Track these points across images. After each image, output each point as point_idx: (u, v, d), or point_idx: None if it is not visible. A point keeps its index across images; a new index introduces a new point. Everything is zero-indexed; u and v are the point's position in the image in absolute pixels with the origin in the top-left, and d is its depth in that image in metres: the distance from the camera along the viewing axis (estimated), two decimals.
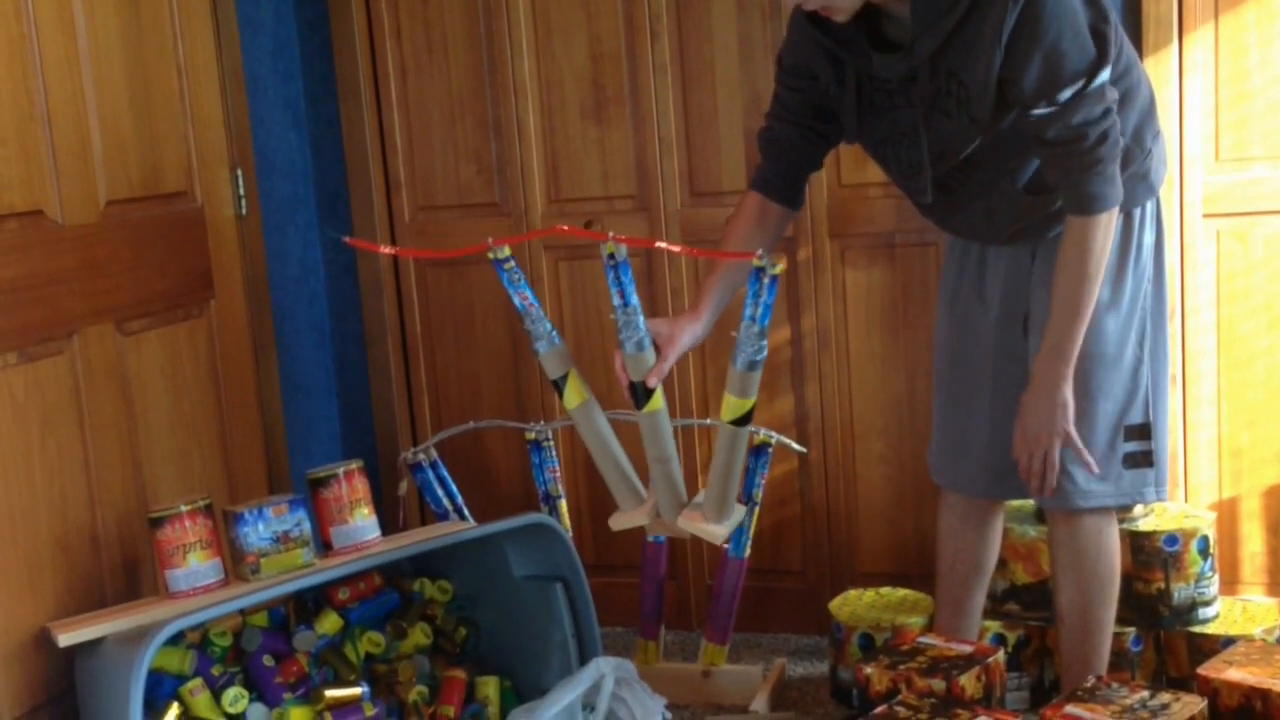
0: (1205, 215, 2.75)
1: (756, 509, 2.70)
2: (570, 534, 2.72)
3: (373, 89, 3.22)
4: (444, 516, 2.87)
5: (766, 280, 2.17)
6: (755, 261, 2.16)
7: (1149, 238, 2.21)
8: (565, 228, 2.49)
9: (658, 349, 2.25)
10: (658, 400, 2.25)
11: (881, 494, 3.04)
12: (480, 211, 3.21)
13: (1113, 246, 2.15)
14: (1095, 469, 2.16)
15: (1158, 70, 2.70)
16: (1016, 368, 2.28)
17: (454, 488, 2.90)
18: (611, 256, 2.25)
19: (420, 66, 3.18)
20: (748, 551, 2.71)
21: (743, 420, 2.29)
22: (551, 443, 2.87)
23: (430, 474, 2.87)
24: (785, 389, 3.06)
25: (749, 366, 2.23)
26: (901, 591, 2.92)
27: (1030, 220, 2.18)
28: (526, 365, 3.21)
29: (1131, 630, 2.63)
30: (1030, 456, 2.17)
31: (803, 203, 2.35)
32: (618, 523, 2.36)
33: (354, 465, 2.62)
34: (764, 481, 2.70)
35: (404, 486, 2.94)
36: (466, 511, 2.89)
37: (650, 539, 2.80)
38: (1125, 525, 2.60)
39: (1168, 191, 2.73)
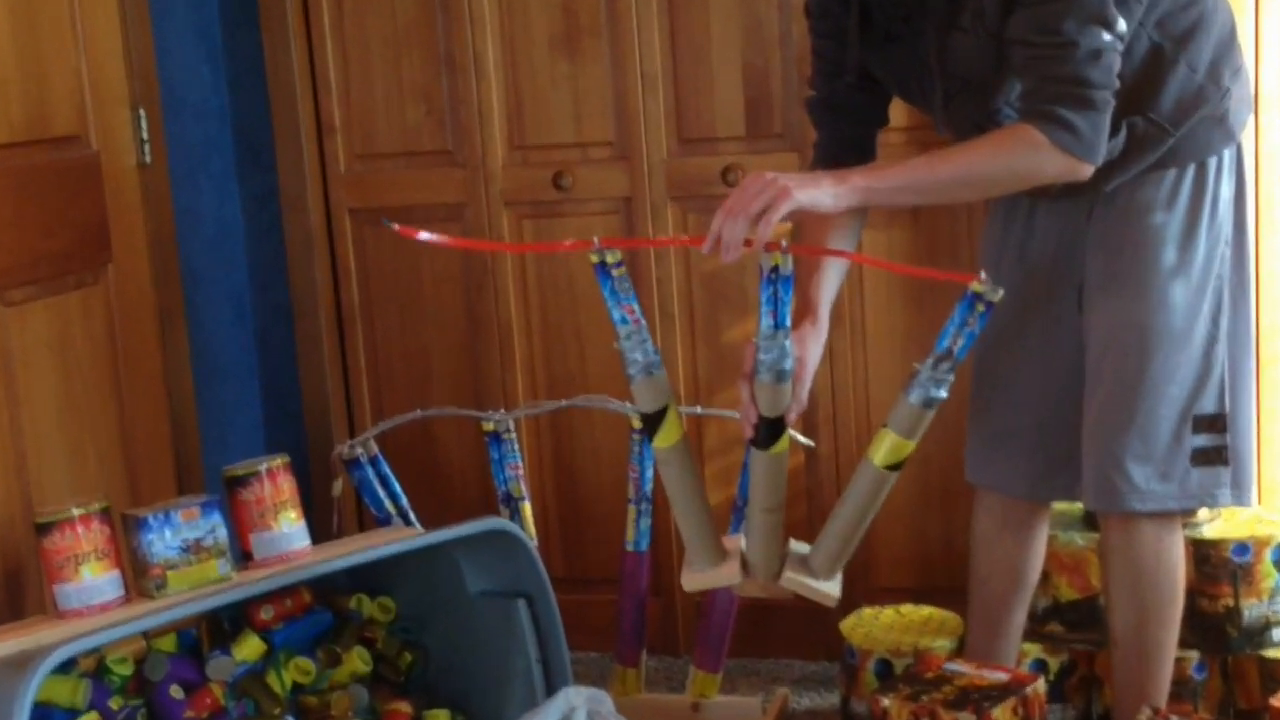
0: None
1: None
2: (535, 542, 2.71)
3: (302, 16, 3.22)
4: (386, 521, 2.87)
5: (981, 309, 2.05)
6: (974, 286, 2.03)
7: (1226, 191, 2.21)
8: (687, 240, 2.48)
9: None
10: (785, 439, 2.19)
11: (903, 494, 2.99)
12: (429, 161, 3.22)
13: (1183, 202, 2.18)
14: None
15: None
16: (1067, 348, 2.30)
17: (398, 488, 2.90)
18: (775, 270, 2.08)
19: None
20: None
21: (899, 466, 2.19)
22: (513, 435, 2.87)
23: (370, 471, 2.87)
24: None
25: (926, 404, 2.11)
26: (926, 610, 2.93)
27: None
28: (484, 342, 3.24)
29: (1195, 654, 2.64)
30: (742, 204, 1.97)
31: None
32: (695, 583, 2.29)
33: (279, 461, 2.61)
34: None
35: (339, 486, 2.94)
36: (413, 515, 2.89)
37: (630, 548, 2.80)
38: (1188, 532, 2.60)
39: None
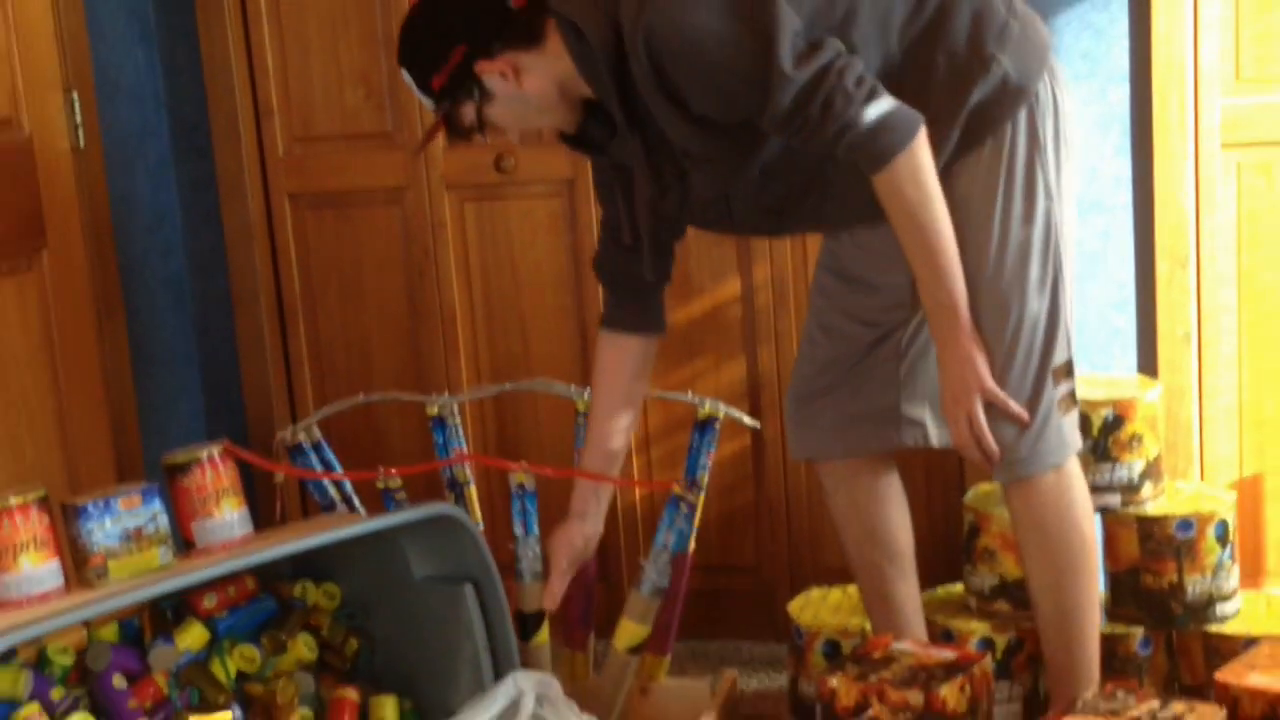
0: (1224, 146, 2.78)
1: (702, 495, 2.72)
2: (481, 527, 2.71)
3: None
4: (330, 508, 2.86)
5: (684, 509, 2.48)
6: (675, 490, 2.49)
7: (1022, 153, 2.20)
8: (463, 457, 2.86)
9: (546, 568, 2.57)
10: (544, 633, 2.62)
11: None
12: (370, 143, 3.23)
13: (991, 177, 2.19)
14: (1025, 417, 2.24)
15: None
16: (883, 303, 2.39)
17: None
18: (521, 487, 2.62)
19: None
20: (692, 545, 2.69)
21: (640, 648, 2.62)
22: (457, 419, 2.88)
23: (313, 457, 2.86)
24: (735, 352, 3.10)
25: (655, 593, 2.57)
26: None
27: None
28: (427, 328, 3.25)
29: (1139, 631, 2.67)
30: (958, 424, 2.26)
31: (663, 324, 2.50)
32: None
33: (220, 448, 2.58)
34: (710, 462, 2.71)
35: (280, 476, 2.89)
36: (357, 501, 2.88)
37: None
38: (1131, 510, 2.66)
39: (1179, 117, 2.76)
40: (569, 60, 2.18)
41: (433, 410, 2.86)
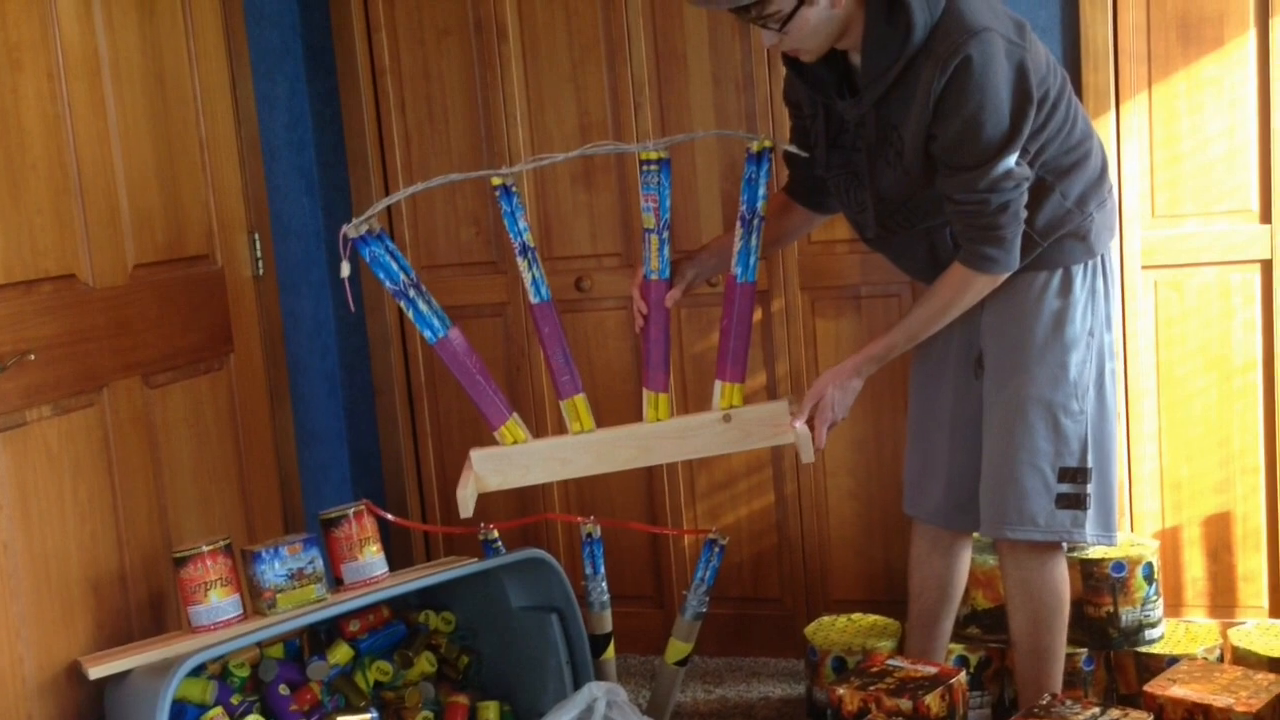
0: (1144, 267, 2.77)
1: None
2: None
3: (379, 157, 3.19)
4: (401, 294, 2.24)
5: (716, 551, 2.51)
6: (711, 536, 2.51)
7: (1081, 295, 2.19)
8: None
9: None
10: (611, 648, 2.62)
11: (851, 527, 3.03)
12: (479, 270, 3.19)
13: (1050, 300, 2.17)
14: (810, 454, 2.16)
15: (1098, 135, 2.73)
16: (970, 407, 2.28)
17: (405, 261, 2.25)
18: (589, 535, 2.60)
19: (423, 136, 3.17)
20: (755, 276, 2.22)
21: (684, 661, 2.58)
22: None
23: (378, 247, 2.18)
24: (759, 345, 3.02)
25: (695, 618, 2.54)
26: (871, 617, 2.90)
27: None
28: (521, 408, 3.16)
29: (1084, 651, 2.63)
30: (812, 413, 2.18)
31: (827, 209, 2.33)
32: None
33: (363, 506, 2.60)
34: (768, 192, 2.19)
35: (346, 268, 2.18)
36: (423, 288, 2.26)
37: (650, 276, 2.22)
38: (1076, 554, 2.61)
39: None
40: (861, 20, 2.01)
41: (498, 181, 2.21)
